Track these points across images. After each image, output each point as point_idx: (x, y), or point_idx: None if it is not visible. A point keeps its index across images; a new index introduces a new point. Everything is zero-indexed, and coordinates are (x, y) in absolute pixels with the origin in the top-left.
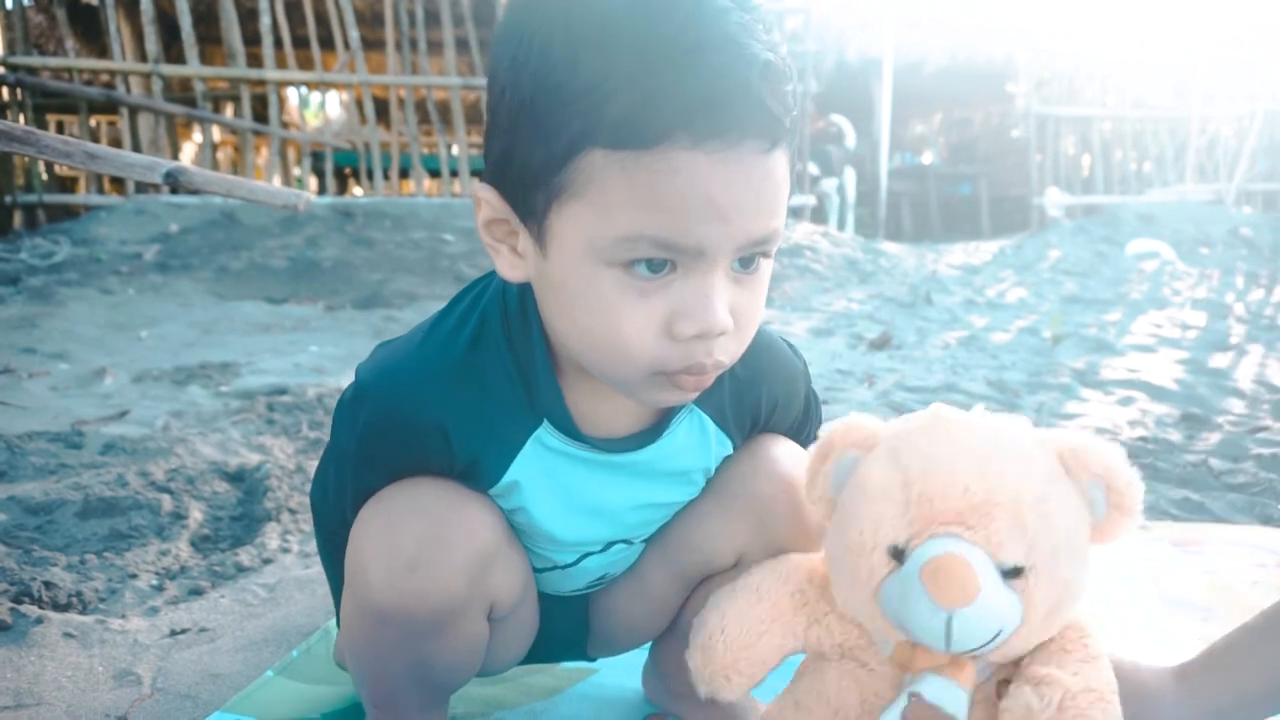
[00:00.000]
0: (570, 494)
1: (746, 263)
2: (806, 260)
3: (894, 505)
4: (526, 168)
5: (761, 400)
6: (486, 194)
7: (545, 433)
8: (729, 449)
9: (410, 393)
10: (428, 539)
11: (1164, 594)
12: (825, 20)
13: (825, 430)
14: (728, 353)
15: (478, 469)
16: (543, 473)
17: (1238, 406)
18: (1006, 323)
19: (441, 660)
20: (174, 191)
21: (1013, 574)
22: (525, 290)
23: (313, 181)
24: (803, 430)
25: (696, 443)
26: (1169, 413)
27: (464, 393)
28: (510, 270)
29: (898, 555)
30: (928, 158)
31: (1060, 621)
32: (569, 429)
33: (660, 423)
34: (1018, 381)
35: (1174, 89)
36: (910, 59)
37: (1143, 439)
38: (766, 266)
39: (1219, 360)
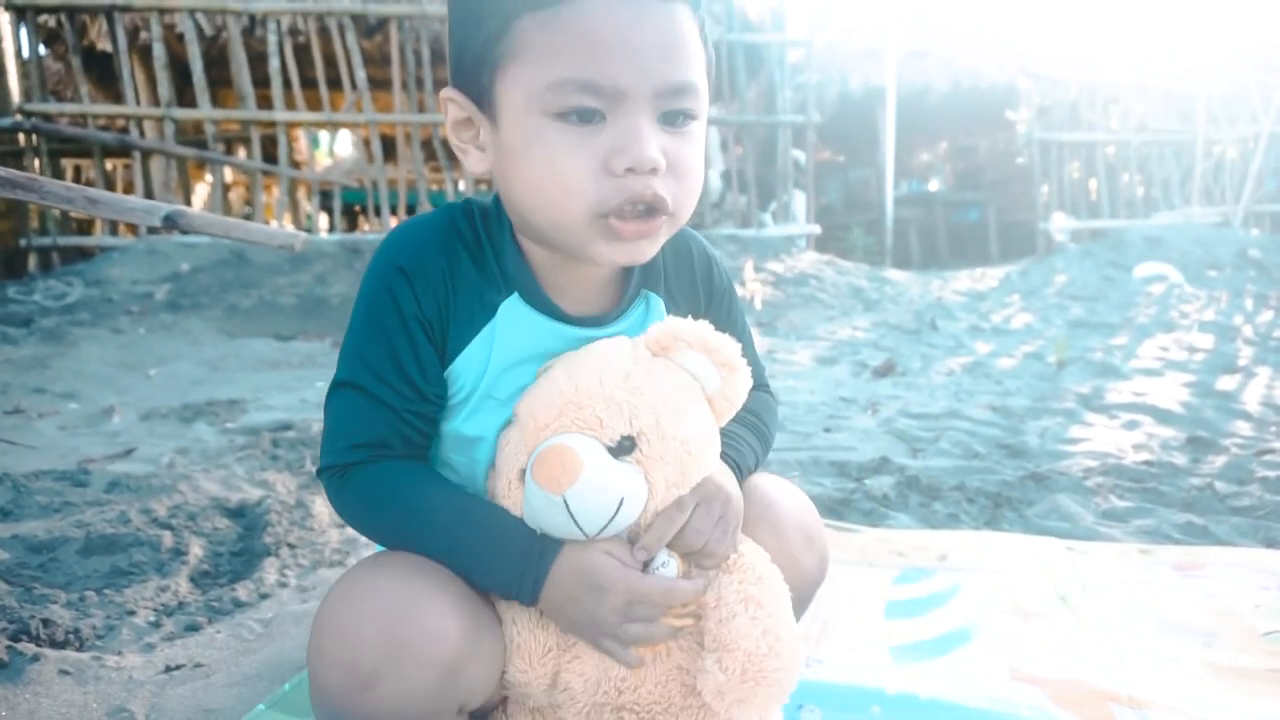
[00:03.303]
0: (533, 372)
1: (672, 119)
2: (811, 289)
3: (514, 442)
4: (471, 52)
5: (696, 276)
6: (450, 94)
7: (516, 302)
8: None
9: (421, 238)
10: (387, 655)
11: (1164, 619)
12: (829, 51)
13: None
14: (667, 190)
15: (455, 333)
16: (511, 346)
17: (1245, 429)
18: (1012, 348)
19: None
20: (185, 232)
21: (627, 448)
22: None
23: (323, 219)
24: (738, 307)
25: (650, 324)
26: (1174, 436)
27: (457, 249)
28: (477, 164)
29: (523, 476)
30: (934, 185)
31: (694, 478)
32: (536, 297)
33: (618, 305)
34: (1021, 407)
35: (1178, 112)
36: (914, 88)
37: (1147, 463)
38: (697, 130)
39: (1226, 383)
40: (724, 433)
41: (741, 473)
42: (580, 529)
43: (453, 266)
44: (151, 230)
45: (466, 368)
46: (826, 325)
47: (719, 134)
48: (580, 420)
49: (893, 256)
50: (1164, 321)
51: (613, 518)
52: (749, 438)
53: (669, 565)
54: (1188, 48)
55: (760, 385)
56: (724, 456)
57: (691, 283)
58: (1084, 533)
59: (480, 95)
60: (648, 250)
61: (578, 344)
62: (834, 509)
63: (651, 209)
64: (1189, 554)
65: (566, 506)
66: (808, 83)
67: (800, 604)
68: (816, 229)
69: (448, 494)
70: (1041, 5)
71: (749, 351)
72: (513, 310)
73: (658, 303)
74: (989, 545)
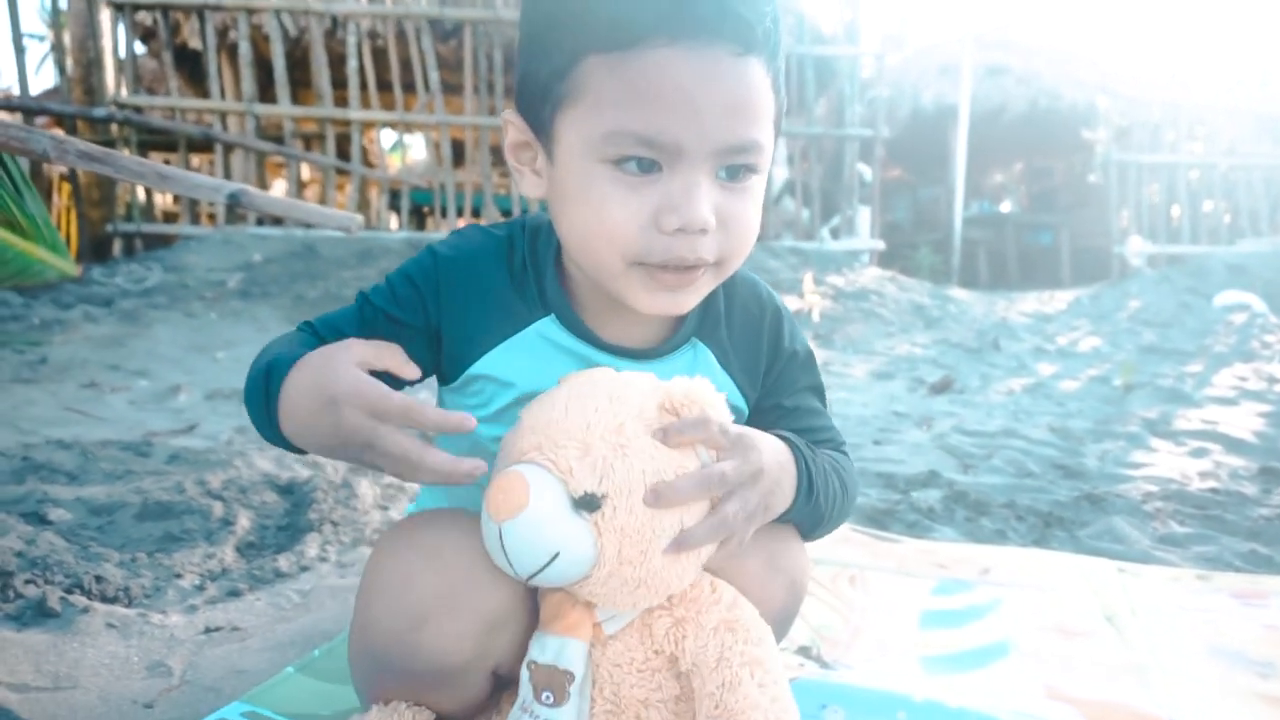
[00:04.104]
0: None
1: (733, 173)
2: (872, 304)
3: (504, 450)
4: (535, 82)
5: (763, 337)
6: (511, 117)
7: (550, 323)
8: (737, 398)
9: (474, 241)
10: (439, 598)
11: (1217, 646)
12: (903, 66)
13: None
14: (712, 251)
15: (476, 338)
16: (540, 369)
17: None
18: (1077, 371)
19: (443, 708)
20: (260, 223)
21: (589, 505)
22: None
23: (393, 218)
24: (813, 372)
25: (697, 374)
26: (1245, 466)
27: (502, 263)
28: (532, 189)
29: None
30: (1006, 206)
31: (655, 560)
32: (572, 322)
33: (664, 344)
34: (1082, 429)
35: (1271, 137)
36: (989, 106)
37: (1213, 490)
38: (757, 184)
39: None
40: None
41: (809, 475)
42: (511, 566)
43: (481, 276)
44: (229, 221)
45: (491, 372)
46: (885, 340)
47: (785, 147)
48: (553, 459)
49: (960, 277)
50: (1244, 351)
51: (543, 568)
52: (825, 465)
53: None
54: None
55: (838, 449)
56: (791, 443)
57: (755, 341)
58: (1138, 556)
59: (540, 126)
60: (688, 301)
61: None
62: (877, 519)
63: (694, 266)
64: (1251, 582)
65: (500, 539)
66: (878, 97)
67: None
68: (880, 245)
69: (293, 342)
70: (1128, 24)
71: (822, 417)
72: (546, 331)
73: (707, 354)
74: (1035, 562)
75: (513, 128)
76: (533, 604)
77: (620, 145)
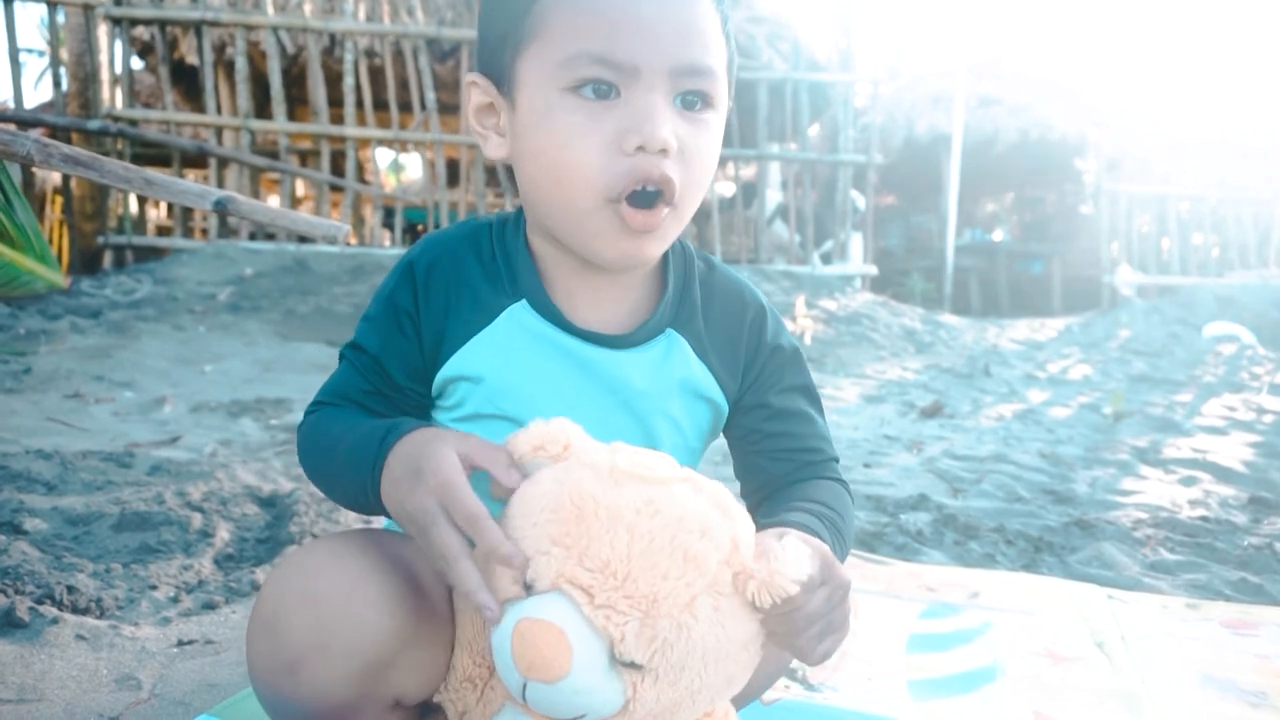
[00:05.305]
0: (538, 387)
1: (689, 103)
2: (864, 328)
3: (544, 534)
4: (494, 32)
5: (743, 331)
6: (474, 78)
7: (522, 309)
8: (715, 391)
9: (439, 242)
10: (310, 641)
11: (1208, 675)
12: (897, 95)
13: (521, 433)
14: (676, 175)
15: (451, 336)
16: (511, 360)
17: None
18: (1067, 398)
19: None
20: (252, 236)
21: (629, 665)
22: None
23: (385, 235)
24: (800, 371)
25: (672, 364)
26: (1235, 495)
27: (467, 255)
28: (495, 150)
29: (528, 587)
30: (998, 235)
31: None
32: (544, 305)
33: (637, 330)
34: (1072, 455)
35: (1261, 169)
36: (981, 136)
37: (1203, 519)
38: (714, 121)
39: None
40: (801, 519)
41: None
42: (529, 711)
43: (458, 270)
44: (222, 234)
45: (464, 370)
46: (876, 364)
47: (779, 172)
48: (607, 617)
49: (952, 304)
50: (1233, 382)
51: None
52: (823, 532)
53: None
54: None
55: (829, 467)
56: (821, 520)
57: (734, 335)
58: (1128, 583)
59: (501, 76)
60: (653, 247)
61: (583, 361)
62: (866, 541)
63: (658, 194)
64: (1242, 612)
65: (524, 689)
66: (872, 124)
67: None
68: (873, 269)
69: (360, 416)
70: (1119, 57)
71: (817, 424)
72: (517, 317)
73: (683, 346)
74: (1024, 586)
75: (476, 89)
76: (436, 633)
77: (577, 68)
